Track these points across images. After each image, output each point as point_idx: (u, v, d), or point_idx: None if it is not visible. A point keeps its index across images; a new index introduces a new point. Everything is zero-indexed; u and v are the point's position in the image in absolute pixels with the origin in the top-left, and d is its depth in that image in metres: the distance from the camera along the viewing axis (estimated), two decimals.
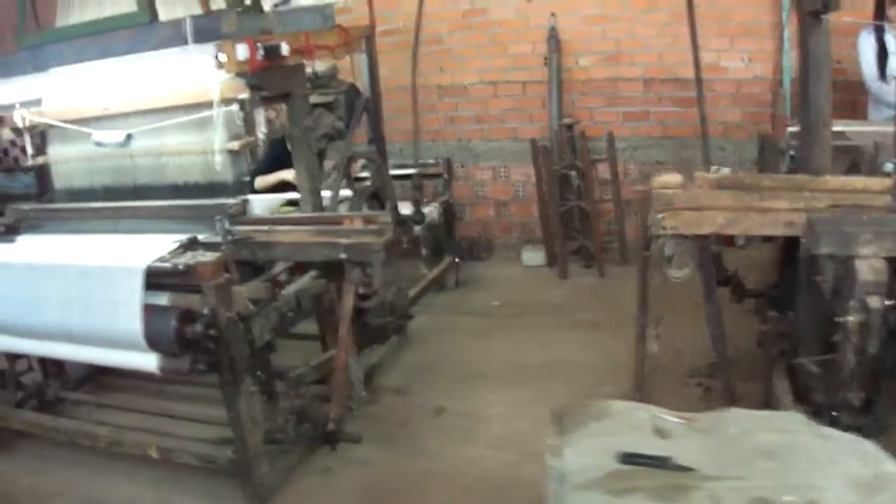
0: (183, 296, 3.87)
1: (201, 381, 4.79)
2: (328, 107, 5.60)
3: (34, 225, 5.52)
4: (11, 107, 5.66)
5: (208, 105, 4.58)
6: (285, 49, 4.39)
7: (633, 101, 9.06)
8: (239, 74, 4.27)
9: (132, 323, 3.74)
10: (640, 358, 4.43)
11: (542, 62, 9.17)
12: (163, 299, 3.89)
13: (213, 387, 4.18)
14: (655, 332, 4.16)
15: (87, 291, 3.97)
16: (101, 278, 3.97)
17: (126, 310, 3.78)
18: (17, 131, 5.68)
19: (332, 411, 4.21)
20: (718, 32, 8.58)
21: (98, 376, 5.79)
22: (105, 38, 4.81)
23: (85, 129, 5.38)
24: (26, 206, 5.65)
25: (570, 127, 8.68)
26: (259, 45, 4.18)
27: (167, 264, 3.88)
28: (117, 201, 5.47)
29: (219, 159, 4.80)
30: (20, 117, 5.58)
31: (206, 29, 4.14)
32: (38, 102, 5.63)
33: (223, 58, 4.14)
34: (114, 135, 5.11)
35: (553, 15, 9.01)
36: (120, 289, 3.84)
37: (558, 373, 5.62)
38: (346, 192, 5.76)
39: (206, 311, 3.69)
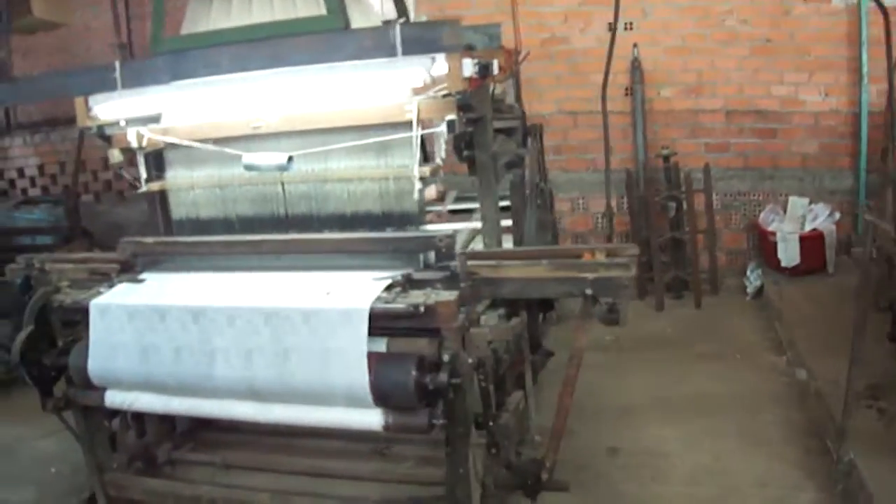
0: (408, 341, 3.52)
1: (334, 434, 4.38)
2: (507, 132, 4.72)
3: (154, 261, 4.72)
4: (115, 124, 4.97)
5: (392, 126, 4.28)
6: (496, 67, 4.11)
7: (715, 133, 9.06)
8: (449, 93, 3.93)
9: (354, 374, 3.31)
10: (852, 388, 4.35)
11: (624, 93, 9.09)
12: (379, 345, 3.48)
13: (354, 439, 4.11)
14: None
15: (282, 339, 3.53)
16: (306, 323, 3.49)
17: (344, 359, 3.34)
18: (129, 152, 4.95)
19: (548, 459, 3.85)
20: (796, 66, 8.69)
21: (199, 432, 5.12)
22: (277, 44, 4.18)
23: (229, 150, 4.66)
24: (149, 240, 4.84)
25: (666, 158, 8.59)
26: (477, 61, 3.83)
27: (400, 305, 3.41)
28: (257, 233, 4.75)
29: (418, 186, 4.35)
30: (135, 135, 4.80)
31: (421, 40, 3.73)
32: (151, 119, 4.94)
33: (439, 72, 3.88)
34: (272, 157, 4.42)
35: (635, 45, 8.93)
36: (336, 335, 3.37)
37: (709, 404, 5.60)
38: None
39: (446, 356, 3.28)
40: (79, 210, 9.18)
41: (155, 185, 5.10)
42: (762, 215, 8.31)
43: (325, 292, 3.81)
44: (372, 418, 3.39)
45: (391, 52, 3.71)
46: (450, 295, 3.44)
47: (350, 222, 4.52)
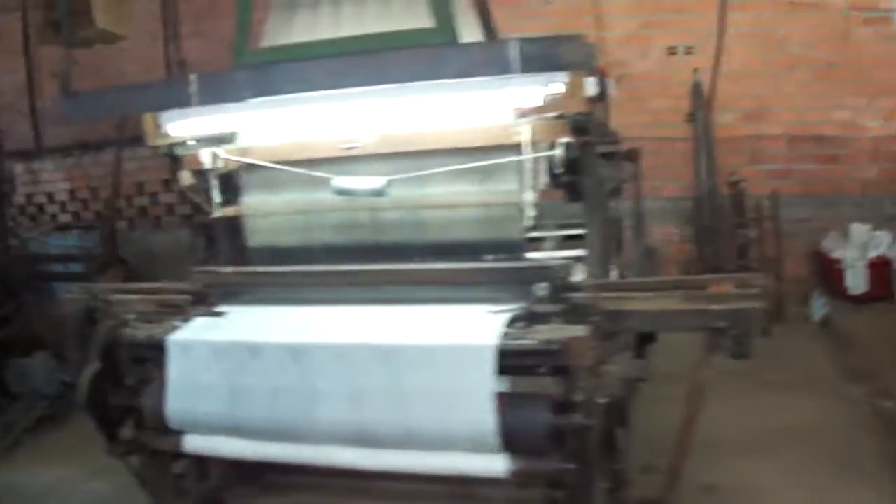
0: (534, 379, 3.29)
1: (407, 475, 3.81)
2: (608, 157, 4.39)
3: (231, 293, 4.34)
4: (182, 143, 4.62)
5: (497, 149, 4.10)
6: (612, 86, 3.97)
7: (776, 159, 8.88)
8: (565, 115, 3.78)
9: (480, 417, 3.05)
10: None
11: (684, 118, 8.82)
12: (501, 385, 3.19)
13: (430, 481, 3.68)
14: None
15: (399, 379, 3.27)
16: (426, 361, 3.24)
17: (469, 400, 3.08)
18: (201, 174, 4.59)
19: (666, 499, 3.70)
20: (856, 90, 8.48)
21: (265, 474, 4.54)
22: (380, 59, 3.82)
23: (318, 174, 4.31)
24: (226, 270, 4.54)
25: (735, 184, 8.38)
26: (599, 80, 3.64)
27: (530, 342, 3.20)
28: (343, 263, 4.36)
29: (530, 213, 4.14)
30: (210, 156, 4.46)
31: (541, 56, 3.45)
32: (223, 138, 4.60)
33: (558, 92, 3.68)
34: (368, 181, 4.10)
35: (696, 70, 8.67)
36: (460, 374, 3.13)
37: (797, 436, 5.42)
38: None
39: (579, 397, 3.08)
40: (115, 237, 8.76)
41: (229, 210, 4.68)
42: (825, 242, 8.19)
43: (442, 328, 3.55)
44: (496, 465, 3.14)
45: (506, 69, 3.51)
46: (581, 330, 3.23)
47: (447, 251, 4.19)
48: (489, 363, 3.05)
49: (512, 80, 3.68)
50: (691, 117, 8.40)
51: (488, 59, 3.63)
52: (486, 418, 3.03)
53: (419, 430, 3.21)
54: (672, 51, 8.12)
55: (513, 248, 4.32)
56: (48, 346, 6.94)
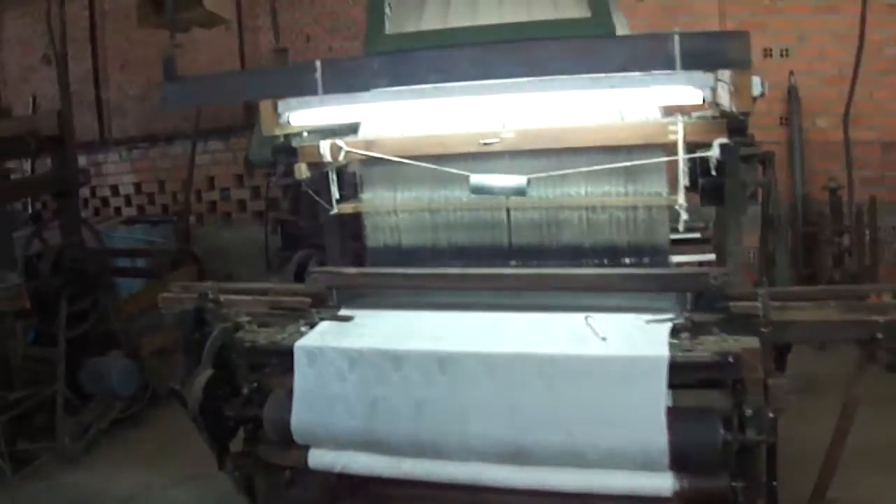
0: (696, 393, 3.24)
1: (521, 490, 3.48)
2: (747, 160, 4.12)
3: (354, 296, 4.11)
4: (298, 135, 4.34)
5: (645, 148, 3.88)
6: (764, 87, 3.57)
7: (871, 165, 8.50)
8: (723, 114, 3.63)
9: (650, 433, 2.90)
10: None
11: (779, 122, 8.58)
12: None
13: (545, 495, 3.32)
14: None
15: (559, 392, 3.09)
16: (590, 373, 3.05)
17: (638, 416, 2.92)
18: (317, 167, 4.26)
19: None
20: None
21: (368, 486, 4.02)
22: (533, 49, 3.50)
23: (452, 170, 4.03)
24: (350, 271, 4.22)
25: (833, 191, 8.11)
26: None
27: (702, 354, 3.05)
28: (472, 265, 4.14)
29: (684, 217, 3.84)
30: (330, 148, 4.10)
31: (704, 52, 3.27)
32: (342, 130, 4.33)
33: (723, 91, 3.48)
34: (509, 179, 3.87)
35: (792, 73, 8.41)
36: (630, 387, 2.96)
37: None
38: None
39: (749, 411, 2.94)
40: (189, 232, 8.46)
41: (348, 207, 4.37)
42: None
43: (602, 337, 3.31)
44: (662, 483, 2.96)
45: (669, 65, 3.28)
46: (754, 341, 3.08)
47: (586, 255, 4.02)
48: (662, 376, 2.90)
49: (672, 76, 3.43)
50: (785, 121, 8.20)
51: (651, 54, 3.36)
52: (657, 435, 2.87)
53: (581, 446, 3.02)
54: (767, 53, 7.63)
55: (656, 253, 4.09)
56: (122, 345, 6.62)
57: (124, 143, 10.33)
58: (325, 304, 4.12)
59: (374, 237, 4.44)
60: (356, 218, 4.49)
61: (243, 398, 3.80)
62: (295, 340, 3.67)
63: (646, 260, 4.03)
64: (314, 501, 4.17)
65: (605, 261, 4.07)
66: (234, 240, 9.42)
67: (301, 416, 3.56)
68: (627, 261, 4.07)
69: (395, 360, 3.44)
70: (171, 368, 7.03)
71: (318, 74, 3.76)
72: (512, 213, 4.18)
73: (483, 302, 3.94)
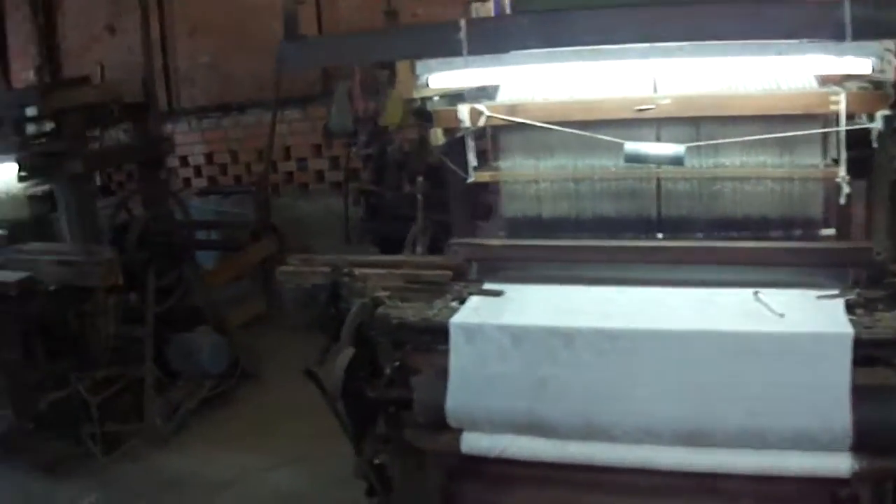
0: (867, 371, 2.90)
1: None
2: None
3: (494, 268, 3.92)
4: (433, 97, 4.02)
5: (803, 118, 3.63)
6: None
7: None
8: (881, 85, 3.38)
9: (835, 412, 2.76)
10: None
11: None
12: None
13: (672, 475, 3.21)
14: None
15: (741, 371, 2.94)
16: (772, 351, 2.90)
17: (823, 394, 2.78)
18: (452, 132, 3.97)
19: None
20: None
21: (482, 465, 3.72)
22: (698, 12, 3.30)
23: (604, 137, 3.74)
24: (494, 242, 3.99)
25: None
26: None
27: (885, 330, 2.86)
28: (617, 237, 3.94)
29: (846, 190, 3.58)
30: (470, 113, 3.80)
31: (875, 21, 3.06)
32: (483, 94, 4.00)
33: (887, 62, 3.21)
34: (665, 147, 3.64)
35: None
36: (814, 365, 2.81)
37: None
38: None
39: None
40: (269, 203, 8.21)
41: (485, 175, 4.08)
42: None
43: (779, 313, 3.13)
44: (841, 464, 2.83)
45: (838, 33, 3.09)
46: None
47: (736, 227, 3.87)
48: (847, 354, 2.77)
49: (840, 44, 3.19)
50: None
51: (820, 21, 3.14)
52: (841, 414, 2.75)
53: (763, 427, 2.93)
54: None
55: (808, 226, 3.86)
56: (209, 320, 6.36)
57: (194, 113, 10.05)
58: (465, 277, 3.91)
59: (511, 207, 4.18)
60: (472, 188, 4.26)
61: (386, 378, 3.57)
62: (448, 317, 3.45)
63: (797, 233, 3.83)
64: (441, 485, 3.92)
65: (755, 234, 3.88)
66: (312, 211, 9.15)
67: (458, 398, 3.33)
68: (778, 234, 3.88)
69: (565, 337, 3.23)
70: (258, 343, 6.79)
71: (463, 34, 3.53)
72: (662, 182, 3.95)
73: (635, 276, 3.75)
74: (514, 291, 3.72)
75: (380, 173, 7.75)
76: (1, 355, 5.27)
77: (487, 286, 3.78)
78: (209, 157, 9.73)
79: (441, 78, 3.91)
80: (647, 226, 4.02)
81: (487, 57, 3.66)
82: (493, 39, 3.62)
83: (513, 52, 3.60)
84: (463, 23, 3.55)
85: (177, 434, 5.81)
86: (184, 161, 10.50)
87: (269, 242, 7.38)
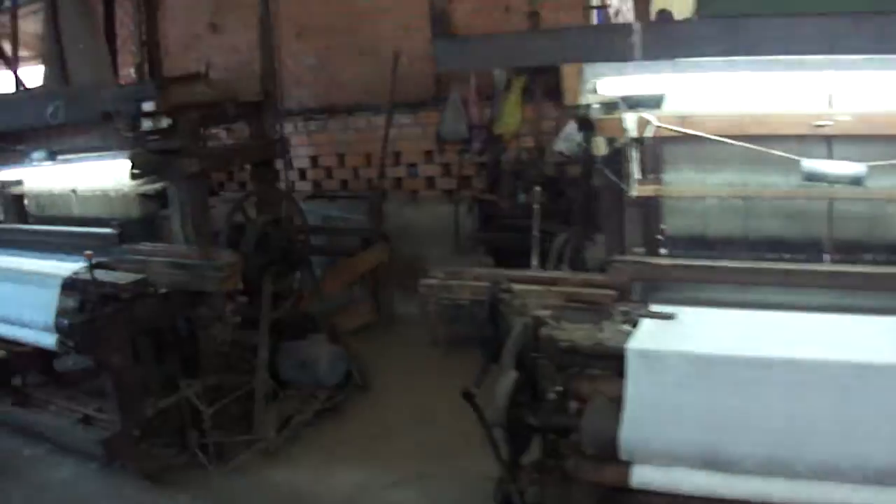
0: None
1: None
2: None
3: (657, 288, 3.75)
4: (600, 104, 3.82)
5: None
6: None
7: None
8: None
9: None
10: None
11: None
12: None
13: None
14: None
15: None
16: None
17: None
18: (611, 143, 3.80)
19: None
20: None
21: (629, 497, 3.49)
22: (880, 22, 3.04)
23: (780, 153, 3.57)
24: (663, 262, 3.76)
25: None
26: None
27: None
28: (780, 259, 3.76)
29: None
30: (637, 122, 3.67)
31: None
32: (648, 102, 3.79)
33: None
34: (846, 166, 3.43)
35: None
36: None
37: None
38: None
39: None
40: (382, 210, 7.99)
41: (649, 189, 3.88)
42: None
43: None
44: None
45: None
46: None
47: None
48: None
49: None
50: None
51: None
52: None
53: None
54: None
55: None
56: (322, 328, 6.15)
57: (299, 114, 9.86)
58: (629, 297, 3.74)
59: (674, 223, 3.99)
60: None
61: (550, 404, 3.41)
62: (621, 341, 3.28)
63: None
64: None
65: None
66: (420, 219, 8.87)
67: (633, 428, 3.15)
68: None
69: (756, 367, 3.07)
70: (367, 353, 6.58)
71: (637, 38, 3.34)
72: (835, 203, 3.75)
73: (807, 301, 3.59)
74: (685, 315, 3.54)
75: (494, 182, 7.54)
76: (109, 358, 5.03)
77: (655, 308, 3.60)
78: (314, 160, 9.80)
79: (609, 84, 3.70)
80: (813, 248, 3.82)
81: (658, 63, 3.50)
82: (668, 45, 3.43)
83: (686, 59, 3.45)
84: (637, 26, 3.37)
85: (288, 447, 5.53)
86: (289, 164, 10.31)
87: (380, 249, 7.11)
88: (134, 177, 5.48)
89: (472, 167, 8.27)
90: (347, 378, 6.15)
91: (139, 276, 5.11)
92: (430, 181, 9.30)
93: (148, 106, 5.51)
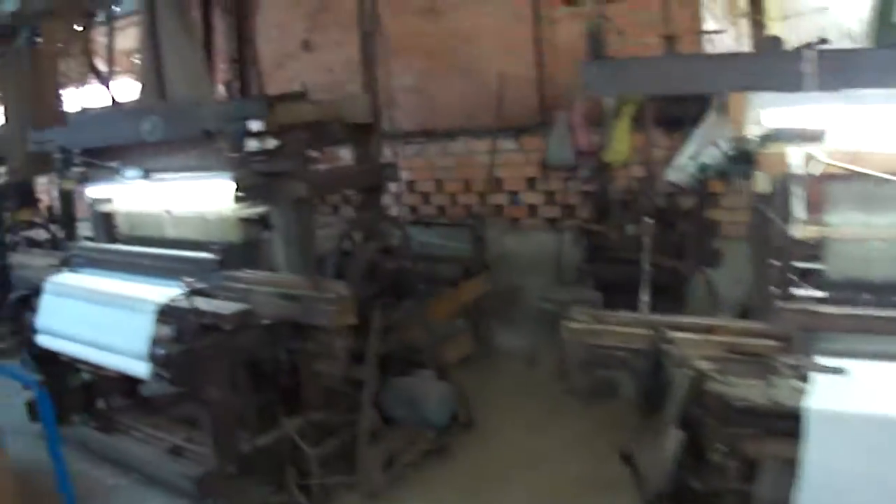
0: None
1: None
2: None
3: (819, 339, 3.39)
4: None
5: None
6: None
7: None
8: None
9: None
10: None
11: None
12: None
13: None
14: None
15: None
16: None
17: None
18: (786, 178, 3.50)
19: None
20: None
21: None
22: None
23: None
24: (831, 310, 3.41)
25: None
26: None
27: None
28: None
29: None
30: (803, 157, 3.43)
31: None
32: (808, 136, 3.49)
33: None
34: None
35: None
36: None
37: None
38: None
39: None
40: (485, 239, 7.71)
41: (812, 230, 3.59)
42: None
43: None
44: None
45: None
46: None
47: None
48: None
49: None
50: None
51: None
52: None
53: None
54: None
55: None
56: (430, 363, 5.85)
57: (396, 138, 9.59)
58: (793, 348, 3.40)
59: (836, 266, 3.69)
60: None
61: (716, 468, 3.11)
62: (796, 399, 2.99)
63: None
64: None
65: None
66: (521, 247, 8.57)
67: (812, 497, 2.86)
68: None
69: None
70: (468, 388, 6.28)
71: (811, 67, 3.14)
72: None
73: None
74: (861, 370, 3.23)
75: (601, 212, 7.24)
76: (207, 391, 4.76)
77: (824, 361, 3.28)
78: (410, 185, 9.32)
79: (774, 115, 3.42)
80: None
81: (825, 95, 3.28)
82: (843, 75, 3.18)
83: (858, 91, 3.24)
84: (811, 54, 3.13)
85: (393, 489, 5.26)
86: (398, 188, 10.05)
87: (483, 279, 6.81)
88: (238, 199, 5.20)
89: (577, 196, 7.91)
90: (455, 418, 5.85)
91: (243, 307, 4.83)
92: (532, 209, 8.98)
93: (255, 125, 5.22)
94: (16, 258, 6.83)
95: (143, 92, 7.25)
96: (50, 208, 8.98)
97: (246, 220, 5.65)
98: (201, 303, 4.80)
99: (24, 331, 6.12)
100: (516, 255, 8.47)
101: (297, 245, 5.43)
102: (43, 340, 5.76)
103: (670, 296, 6.50)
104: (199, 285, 5.00)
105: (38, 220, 8.84)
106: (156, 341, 4.80)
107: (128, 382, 5.99)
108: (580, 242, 7.45)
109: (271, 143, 5.45)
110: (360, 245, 5.70)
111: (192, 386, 4.87)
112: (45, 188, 9.32)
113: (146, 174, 5.85)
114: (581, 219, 7.74)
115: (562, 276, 7.76)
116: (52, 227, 8.71)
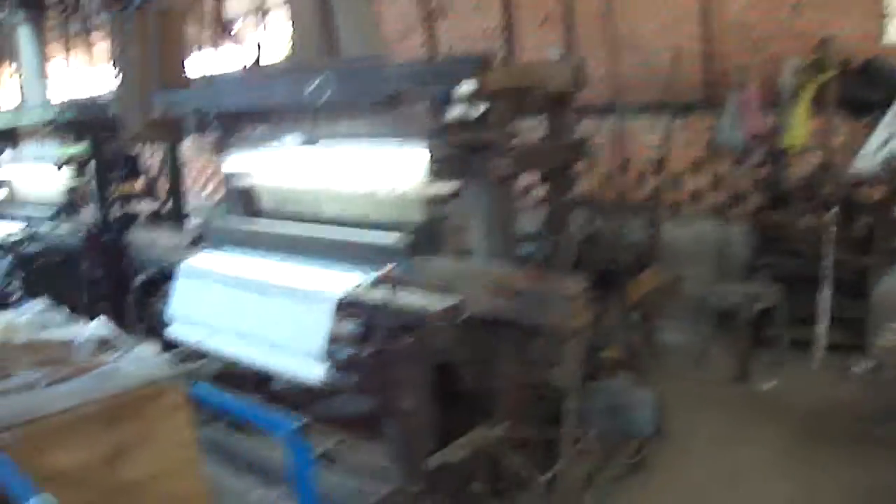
0: None
1: None
2: None
3: None
4: None
5: None
6: None
7: None
8: None
9: None
10: None
11: None
12: None
13: None
14: None
15: None
16: None
17: None
18: None
19: None
20: None
21: None
22: None
23: None
24: None
25: None
26: None
27: None
28: None
29: None
30: None
31: None
32: None
33: None
34: None
35: None
36: None
37: None
38: None
39: None
40: (659, 226, 7.06)
41: None
42: None
43: None
44: None
45: None
46: None
47: None
48: None
49: None
50: None
51: None
52: None
53: None
54: None
55: None
56: (631, 365, 5.22)
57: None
58: None
59: None
60: None
61: None
62: None
63: None
64: None
65: None
66: (680, 235, 7.92)
67: None
68: None
69: None
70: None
71: None
72: None
73: None
74: None
75: (776, 200, 6.69)
76: (392, 400, 4.10)
77: None
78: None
79: None
80: None
81: None
82: None
83: None
84: None
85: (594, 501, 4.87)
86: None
87: (657, 271, 6.16)
88: (433, 174, 4.47)
89: (748, 182, 7.26)
90: (659, 427, 5.24)
91: (454, 302, 4.17)
92: (696, 194, 8.31)
93: (466, 87, 4.40)
94: (136, 235, 6.03)
95: (299, 50, 6.40)
96: (153, 180, 8.20)
97: (433, 199, 4.91)
98: (400, 295, 4.08)
99: (149, 319, 5.42)
100: (674, 243, 7.84)
101: (498, 230, 4.73)
102: (176, 331, 5.06)
103: (851, 293, 6.15)
104: (397, 275, 4.30)
105: (140, 192, 8.04)
106: (336, 340, 4.14)
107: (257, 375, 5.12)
108: (753, 233, 6.83)
109: (476, 110, 4.64)
110: (565, 234, 5.01)
111: (381, 394, 4.15)
112: (150, 159, 8.52)
113: (312, 140, 5.05)
114: (751, 207, 7.10)
115: (725, 269, 7.11)
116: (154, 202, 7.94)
